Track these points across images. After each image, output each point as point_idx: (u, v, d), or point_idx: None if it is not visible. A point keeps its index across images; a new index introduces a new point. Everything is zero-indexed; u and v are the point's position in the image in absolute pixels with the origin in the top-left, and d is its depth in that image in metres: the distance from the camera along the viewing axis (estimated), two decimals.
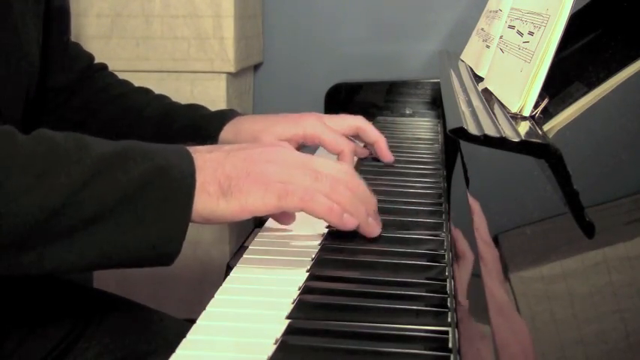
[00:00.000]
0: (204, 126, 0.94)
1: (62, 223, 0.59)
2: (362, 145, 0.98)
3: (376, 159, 0.96)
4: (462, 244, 0.64)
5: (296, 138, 0.89)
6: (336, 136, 0.90)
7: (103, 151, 0.62)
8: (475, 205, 0.69)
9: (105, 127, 0.97)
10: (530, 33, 0.80)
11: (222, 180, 0.64)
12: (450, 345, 0.50)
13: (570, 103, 0.82)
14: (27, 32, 0.83)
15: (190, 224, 0.64)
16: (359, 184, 0.70)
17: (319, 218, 0.66)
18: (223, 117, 0.95)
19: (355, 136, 0.95)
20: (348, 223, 0.67)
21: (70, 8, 1.00)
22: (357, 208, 0.67)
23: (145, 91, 1.03)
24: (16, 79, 0.81)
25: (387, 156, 0.95)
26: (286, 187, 0.65)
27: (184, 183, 0.62)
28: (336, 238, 0.70)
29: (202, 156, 0.65)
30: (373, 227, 0.69)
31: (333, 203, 0.66)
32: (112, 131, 0.96)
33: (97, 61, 1.06)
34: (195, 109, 0.99)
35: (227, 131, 0.93)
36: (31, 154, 0.59)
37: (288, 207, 0.65)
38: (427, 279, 0.60)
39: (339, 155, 0.90)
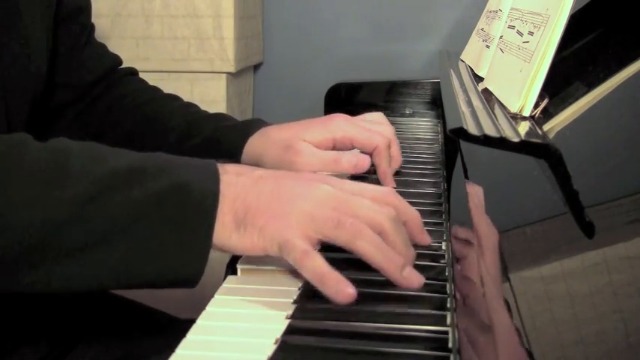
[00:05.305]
0: (227, 139, 0.89)
1: (68, 239, 0.55)
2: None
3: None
4: (462, 244, 0.64)
5: (326, 142, 0.84)
6: (370, 132, 0.84)
7: (117, 165, 0.58)
8: (475, 205, 0.69)
9: (125, 136, 0.94)
10: (530, 33, 0.80)
11: (239, 210, 0.59)
12: (450, 345, 0.50)
13: (570, 103, 0.82)
14: (35, 38, 0.82)
15: None
16: (396, 231, 0.59)
17: None
18: (248, 128, 0.89)
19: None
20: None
21: (89, 5, 0.97)
22: (387, 257, 0.58)
23: (172, 99, 0.98)
24: (24, 84, 0.80)
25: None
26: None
27: (205, 204, 0.58)
28: None
29: (228, 179, 0.60)
30: (410, 280, 0.58)
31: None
32: (133, 141, 0.93)
33: None
34: (219, 120, 0.93)
35: (253, 144, 0.87)
36: (40, 164, 0.56)
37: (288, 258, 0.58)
38: (427, 279, 0.60)
39: (373, 151, 0.83)
